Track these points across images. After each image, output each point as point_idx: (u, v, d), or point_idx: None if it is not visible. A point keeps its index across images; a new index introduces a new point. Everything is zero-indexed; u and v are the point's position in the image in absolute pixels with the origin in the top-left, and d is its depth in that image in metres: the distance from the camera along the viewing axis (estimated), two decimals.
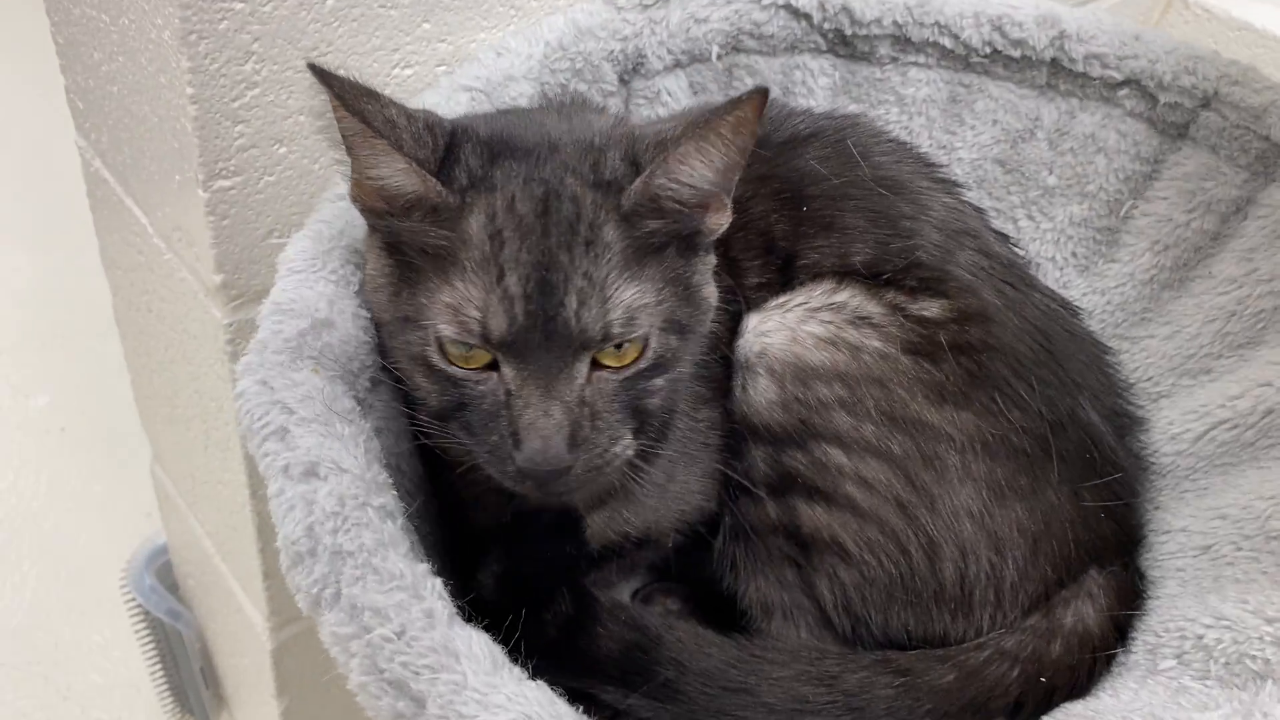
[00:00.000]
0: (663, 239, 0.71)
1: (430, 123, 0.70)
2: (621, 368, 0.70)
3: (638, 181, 0.68)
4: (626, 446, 0.71)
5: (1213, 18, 1.70)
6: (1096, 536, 0.82)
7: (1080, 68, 0.95)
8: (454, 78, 0.87)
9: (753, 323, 0.82)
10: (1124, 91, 0.94)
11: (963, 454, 0.79)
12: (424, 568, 0.62)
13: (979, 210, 0.92)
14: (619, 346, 0.69)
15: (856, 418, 0.79)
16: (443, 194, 0.67)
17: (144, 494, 1.46)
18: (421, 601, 0.59)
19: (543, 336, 0.67)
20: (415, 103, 0.87)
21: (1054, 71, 0.97)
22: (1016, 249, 0.93)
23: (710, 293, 0.76)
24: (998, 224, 1.01)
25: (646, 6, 0.94)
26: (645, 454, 0.75)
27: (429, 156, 0.68)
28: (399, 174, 0.67)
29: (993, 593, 0.80)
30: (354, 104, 0.66)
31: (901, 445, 0.79)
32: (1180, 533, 0.86)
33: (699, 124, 0.67)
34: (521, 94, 0.89)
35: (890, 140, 0.92)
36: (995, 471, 0.79)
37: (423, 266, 0.69)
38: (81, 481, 1.91)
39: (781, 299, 0.83)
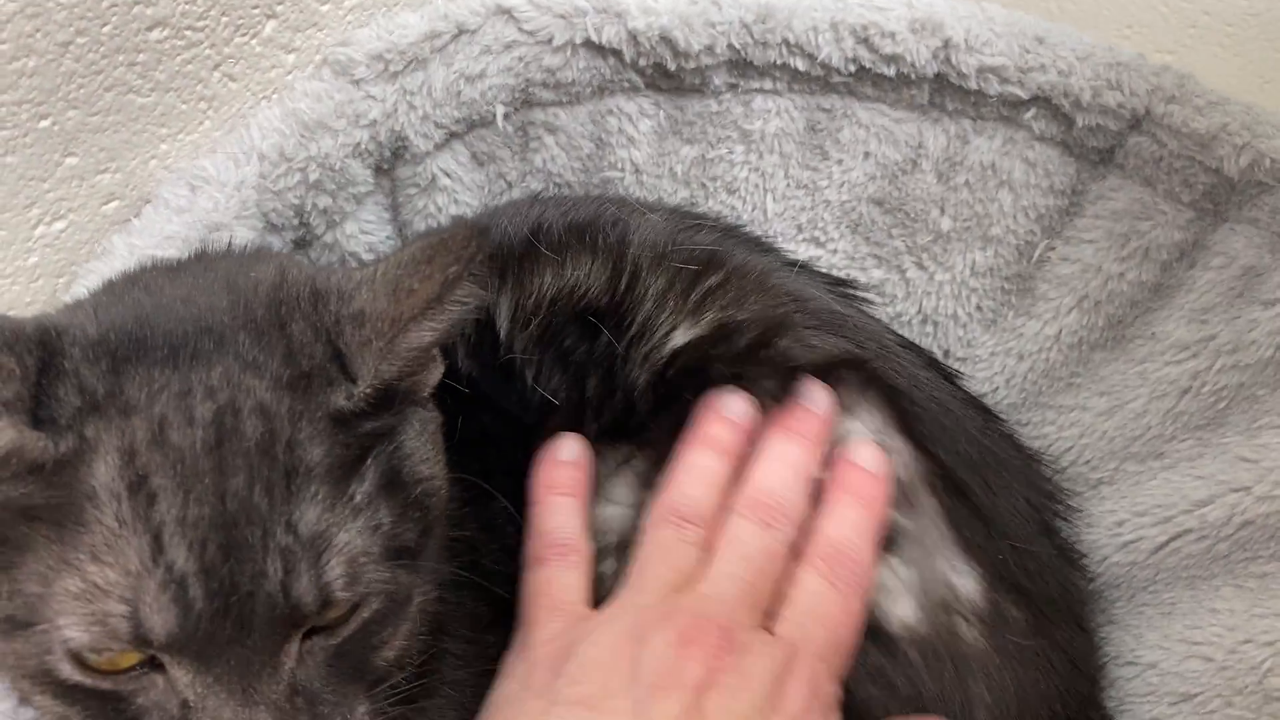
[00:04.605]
0: (375, 435, 0.49)
1: (10, 337, 0.45)
2: (337, 627, 0.48)
3: (367, 374, 0.48)
4: (363, 716, 0.50)
5: None
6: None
7: (973, 84, 0.73)
8: (132, 239, 0.60)
9: None
10: (1030, 112, 0.73)
11: None
12: None
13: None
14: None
15: None
16: (44, 445, 0.44)
17: None
18: None
19: (235, 626, 0.45)
20: (79, 285, 0.61)
21: (937, 88, 0.75)
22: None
23: (430, 471, 0.54)
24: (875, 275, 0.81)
25: (396, 74, 0.68)
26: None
27: (18, 393, 0.44)
28: None
29: None
30: None
31: None
32: (1150, 670, 0.71)
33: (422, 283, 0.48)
34: (241, 241, 0.62)
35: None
36: None
37: (28, 539, 0.45)
38: None
39: None
